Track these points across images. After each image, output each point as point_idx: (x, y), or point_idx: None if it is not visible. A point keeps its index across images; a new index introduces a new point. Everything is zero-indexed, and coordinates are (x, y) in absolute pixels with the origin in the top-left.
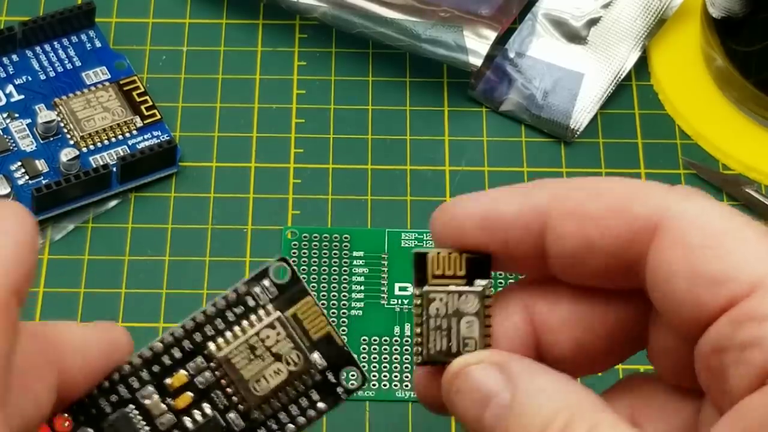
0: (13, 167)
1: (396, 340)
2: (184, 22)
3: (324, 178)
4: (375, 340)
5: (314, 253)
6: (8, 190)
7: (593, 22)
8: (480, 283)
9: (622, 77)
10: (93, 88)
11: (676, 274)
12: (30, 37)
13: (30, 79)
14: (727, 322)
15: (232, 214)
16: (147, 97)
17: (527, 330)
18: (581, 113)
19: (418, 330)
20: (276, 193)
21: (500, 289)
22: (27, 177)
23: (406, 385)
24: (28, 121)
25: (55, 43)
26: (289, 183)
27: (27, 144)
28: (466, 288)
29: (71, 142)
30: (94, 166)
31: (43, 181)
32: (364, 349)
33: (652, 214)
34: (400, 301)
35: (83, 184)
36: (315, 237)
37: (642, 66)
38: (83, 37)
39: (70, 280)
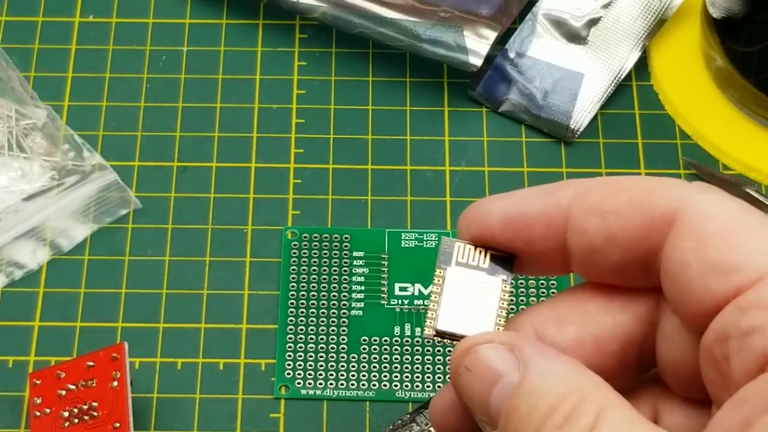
0: None
1: (396, 340)
2: (184, 22)
3: (324, 178)
4: (375, 340)
5: (314, 253)
6: None
7: (593, 22)
8: (501, 274)
9: (622, 77)
10: None
11: (688, 261)
12: None
13: None
14: (733, 310)
15: (232, 214)
16: None
17: None
18: (581, 113)
19: (433, 305)
20: (276, 193)
21: (512, 315)
22: None
23: (406, 385)
24: None
25: None
26: (289, 183)
27: None
28: (487, 275)
29: None
30: None
31: None
32: (364, 349)
33: (671, 205)
34: (400, 302)
35: None
36: (315, 237)
37: (642, 66)
38: None
39: (70, 280)
